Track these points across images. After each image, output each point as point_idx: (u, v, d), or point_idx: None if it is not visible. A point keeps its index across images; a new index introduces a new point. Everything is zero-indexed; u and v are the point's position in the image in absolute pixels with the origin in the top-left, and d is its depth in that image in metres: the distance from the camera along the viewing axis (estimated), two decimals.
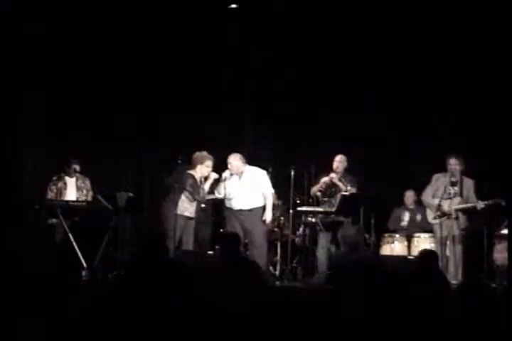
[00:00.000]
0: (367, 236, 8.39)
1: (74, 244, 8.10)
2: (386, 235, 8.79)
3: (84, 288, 7.12)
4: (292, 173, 8.11)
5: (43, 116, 9.04)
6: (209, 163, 7.82)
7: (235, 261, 5.54)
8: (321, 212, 8.43)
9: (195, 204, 7.86)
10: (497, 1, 7.48)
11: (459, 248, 8.04)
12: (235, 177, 7.96)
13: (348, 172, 8.54)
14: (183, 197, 7.78)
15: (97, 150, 9.26)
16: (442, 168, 8.27)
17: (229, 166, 7.93)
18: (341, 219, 8.43)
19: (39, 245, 7.79)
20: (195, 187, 7.78)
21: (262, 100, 9.85)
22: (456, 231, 8.06)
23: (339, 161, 8.51)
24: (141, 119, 9.40)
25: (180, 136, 9.28)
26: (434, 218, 8.18)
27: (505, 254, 7.69)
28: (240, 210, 7.90)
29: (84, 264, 8.08)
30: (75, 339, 3.97)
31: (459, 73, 9.16)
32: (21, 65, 8.76)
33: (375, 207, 8.21)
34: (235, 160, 7.92)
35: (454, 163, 8.09)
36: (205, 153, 7.88)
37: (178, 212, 7.72)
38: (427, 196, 8.31)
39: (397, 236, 8.75)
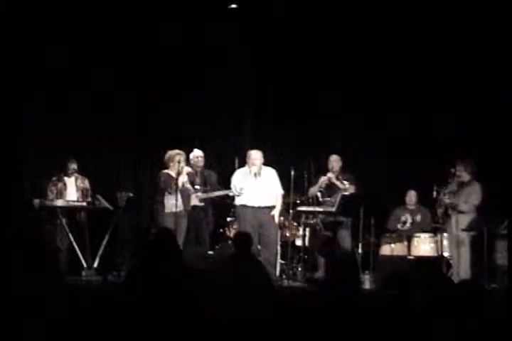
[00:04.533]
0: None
1: (74, 243, 8.12)
2: (386, 235, 8.79)
3: (84, 288, 7.13)
4: (292, 173, 8.11)
5: (43, 116, 9.05)
6: (178, 157, 7.91)
7: (247, 261, 5.55)
8: (321, 212, 8.44)
9: (175, 197, 7.85)
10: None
11: (461, 249, 8.04)
12: (252, 174, 8.00)
13: (344, 170, 8.58)
14: (166, 195, 7.91)
15: (97, 150, 9.27)
16: (442, 168, 8.32)
17: (253, 161, 7.98)
18: (341, 219, 8.43)
19: (39, 245, 7.80)
20: (168, 182, 7.87)
21: (262, 100, 9.86)
22: (455, 232, 8.07)
23: (334, 161, 8.59)
24: (142, 119, 9.39)
25: (180, 136, 9.28)
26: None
27: (505, 254, 7.72)
28: (259, 207, 7.94)
29: (84, 264, 8.10)
30: (75, 340, 3.97)
31: (459, 73, 9.17)
32: (21, 64, 8.81)
33: (375, 207, 8.20)
34: (259, 156, 8.01)
35: (458, 169, 8.11)
36: (174, 151, 7.99)
37: (166, 210, 7.87)
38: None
39: (397, 236, 8.75)
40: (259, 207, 7.95)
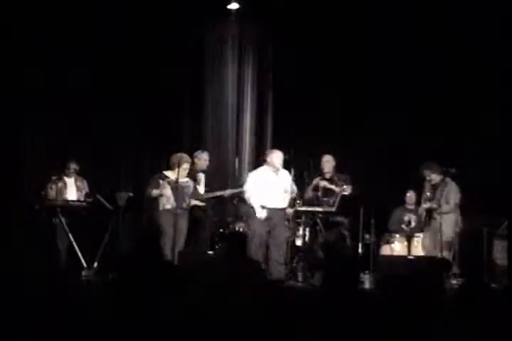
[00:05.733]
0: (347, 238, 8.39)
1: (74, 244, 8.12)
2: (386, 235, 8.80)
3: (84, 288, 7.12)
4: (292, 173, 8.10)
5: (43, 116, 9.05)
6: (183, 162, 7.86)
7: (240, 261, 5.54)
8: (321, 212, 8.43)
9: (165, 196, 7.87)
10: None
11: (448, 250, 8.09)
12: (271, 175, 7.97)
13: (339, 171, 8.58)
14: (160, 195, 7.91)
15: (97, 150, 9.26)
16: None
17: (275, 160, 7.93)
18: (341, 219, 8.43)
19: (39, 245, 7.80)
20: (153, 183, 7.90)
21: (262, 100, 9.86)
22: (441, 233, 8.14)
23: (326, 161, 8.58)
24: (141, 119, 9.39)
25: (180, 136, 9.28)
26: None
27: (505, 254, 7.74)
28: (274, 209, 7.90)
29: (85, 264, 8.10)
30: (75, 339, 3.97)
31: (459, 73, 9.18)
32: (21, 64, 8.81)
33: (375, 207, 8.21)
34: (279, 157, 7.94)
35: (426, 174, 8.25)
36: (181, 155, 7.93)
37: (160, 208, 7.87)
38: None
39: (397, 236, 8.77)
40: (273, 209, 7.90)
